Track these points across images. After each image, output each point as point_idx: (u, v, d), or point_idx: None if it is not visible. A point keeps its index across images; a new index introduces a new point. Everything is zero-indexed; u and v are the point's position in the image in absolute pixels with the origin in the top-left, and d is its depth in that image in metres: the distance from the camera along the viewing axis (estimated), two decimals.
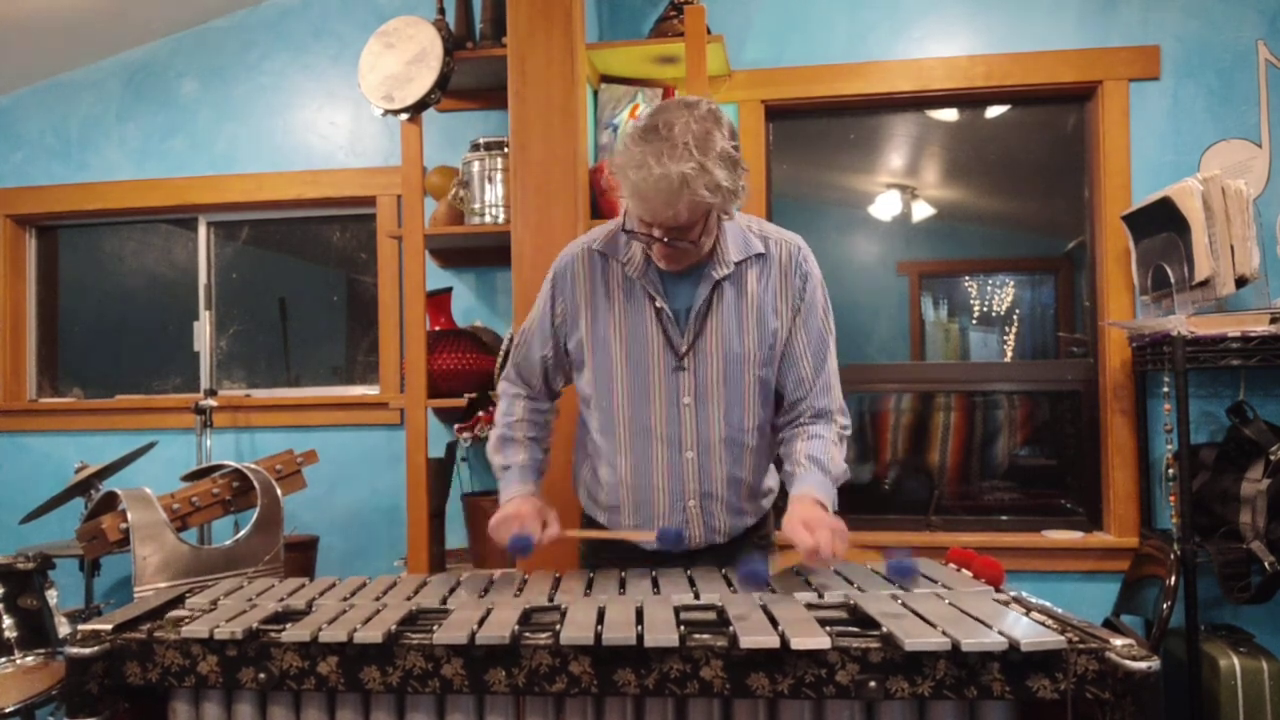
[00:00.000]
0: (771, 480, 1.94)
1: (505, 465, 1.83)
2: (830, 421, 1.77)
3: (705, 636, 1.30)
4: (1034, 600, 1.45)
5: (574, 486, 1.99)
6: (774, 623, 1.31)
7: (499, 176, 2.79)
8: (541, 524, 1.71)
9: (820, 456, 1.70)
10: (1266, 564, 2.52)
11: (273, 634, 1.36)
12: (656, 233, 1.60)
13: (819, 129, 3.23)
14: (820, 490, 1.66)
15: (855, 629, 1.32)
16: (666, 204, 1.54)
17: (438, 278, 3.22)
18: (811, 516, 1.57)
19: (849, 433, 1.81)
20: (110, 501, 2.37)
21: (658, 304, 1.73)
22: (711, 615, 1.41)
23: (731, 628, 1.29)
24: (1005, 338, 3.25)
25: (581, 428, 1.92)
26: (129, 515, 2.24)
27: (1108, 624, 2.78)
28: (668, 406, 1.74)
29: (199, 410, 3.18)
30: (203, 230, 3.60)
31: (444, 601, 1.51)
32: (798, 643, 1.23)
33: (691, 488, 1.77)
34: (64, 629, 2.45)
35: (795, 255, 1.77)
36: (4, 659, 2.35)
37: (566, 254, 1.84)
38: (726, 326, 1.73)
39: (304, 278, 3.61)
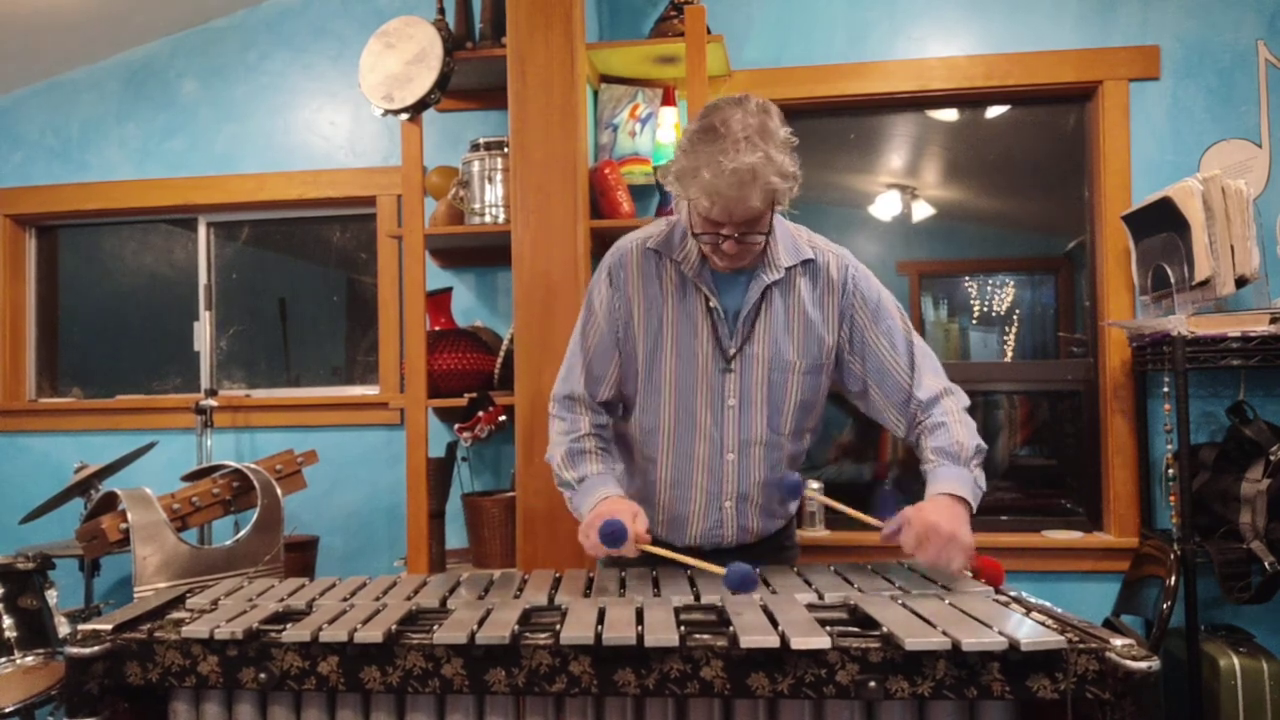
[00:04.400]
0: None
1: (580, 477, 1.73)
2: (943, 403, 1.73)
3: (705, 636, 1.30)
4: (1034, 600, 1.45)
5: None
6: (774, 623, 1.31)
7: (499, 176, 2.79)
8: (633, 517, 1.60)
9: (947, 447, 1.67)
10: (1266, 564, 2.52)
11: (273, 634, 1.36)
12: (726, 230, 1.60)
13: (819, 129, 3.23)
14: (953, 483, 1.61)
15: (855, 629, 1.32)
16: (741, 198, 1.54)
17: (438, 278, 3.22)
18: (922, 517, 1.55)
19: (968, 402, 1.76)
20: (110, 501, 2.37)
21: (711, 303, 1.73)
22: (711, 616, 1.41)
23: (731, 628, 1.29)
24: (1005, 338, 3.25)
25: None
26: (129, 515, 2.24)
27: (1108, 624, 2.78)
28: (713, 407, 1.74)
29: (199, 410, 3.18)
30: (203, 230, 3.59)
31: (444, 601, 1.51)
32: (798, 643, 1.23)
33: (729, 489, 1.78)
34: (64, 629, 2.46)
35: (843, 265, 1.78)
36: (4, 659, 2.35)
37: (620, 249, 1.81)
38: (775, 332, 1.74)
39: (304, 278, 3.61)
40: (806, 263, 1.76)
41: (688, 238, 1.73)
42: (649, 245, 1.78)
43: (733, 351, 1.73)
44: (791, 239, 1.78)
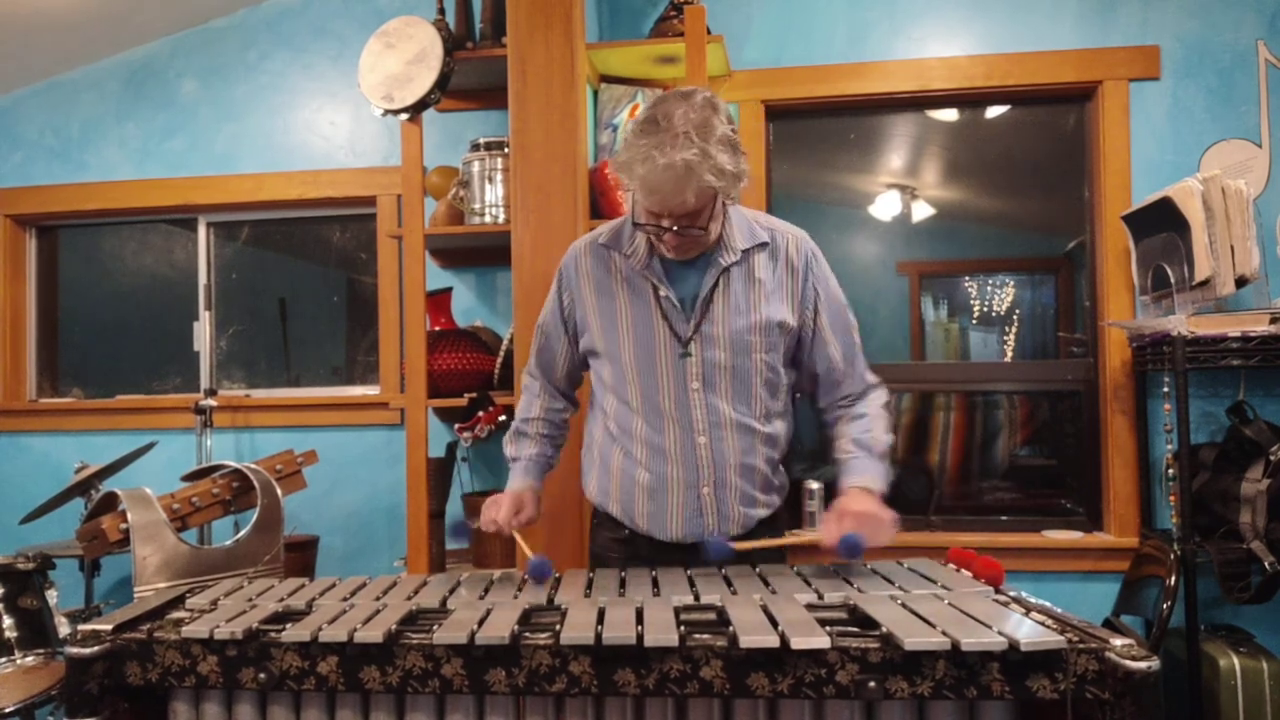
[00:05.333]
0: (784, 476, 1.96)
1: (514, 458, 1.93)
2: (870, 396, 1.86)
3: (705, 636, 1.30)
4: (1034, 600, 1.45)
5: (583, 485, 2.00)
6: (774, 623, 1.31)
7: (499, 176, 2.79)
8: (515, 510, 1.82)
9: (863, 438, 1.78)
10: (1266, 564, 2.52)
11: (273, 634, 1.36)
12: (666, 223, 1.64)
13: (819, 129, 3.23)
14: (867, 476, 1.73)
15: (855, 629, 1.32)
16: (674, 192, 1.58)
17: (438, 278, 3.22)
18: (848, 508, 1.65)
19: (887, 399, 1.87)
20: (110, 501, 2.37)
21: (661, 292, 1.77)
22: (711, 615, 1.41)
23: (731, 628, 1.29)
24: (1005, 338, 3.25)
25: (592, 423, 1.95)
26: (129, 515, 2.24)
27: (1108, 624, 2.78)
28: (677, 391, 1.77)
29: (199, 410, 3.18)
30: (203, 230, 3.59)
31: (444, 601, 1.51)
32: (797, 643, 1.23)
33: (705, 474, 1.79)
34: (64, 629, 2.46)
35: (803, 247, 1.83)
36: (4, 659, 2.35)
37: (572, 248, 1.90)
38: (734, 312, 1.76)
39: (304, 278, 3.61)
40: (763, 245, 1.80)
41: (636, 230, 1.76)
42: (600, 242, 1.85)
43: (688, 335, 1.76)
44: (747, 223, 1.81)
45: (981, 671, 1.23)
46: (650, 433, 1.80)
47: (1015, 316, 3.23)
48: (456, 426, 2.77)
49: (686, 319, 1.77)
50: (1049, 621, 1.32)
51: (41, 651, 2.40)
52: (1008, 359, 3.25)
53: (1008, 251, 3.30)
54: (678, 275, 1.78)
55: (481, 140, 2.84)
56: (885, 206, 3.26)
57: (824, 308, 1.83)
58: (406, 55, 2.66)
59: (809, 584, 1.56)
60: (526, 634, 1.33)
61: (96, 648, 1.38)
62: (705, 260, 1.76)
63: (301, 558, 2.99)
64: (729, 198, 1.68)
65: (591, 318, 1.84)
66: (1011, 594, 1.50)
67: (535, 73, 2.53)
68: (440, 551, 2.81)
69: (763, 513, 1.88)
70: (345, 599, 1.55)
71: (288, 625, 1.37)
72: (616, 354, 1.81)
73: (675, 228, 1.64)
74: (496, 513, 1.81)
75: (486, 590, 1.60)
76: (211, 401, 3.21)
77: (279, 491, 2.46)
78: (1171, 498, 2.70)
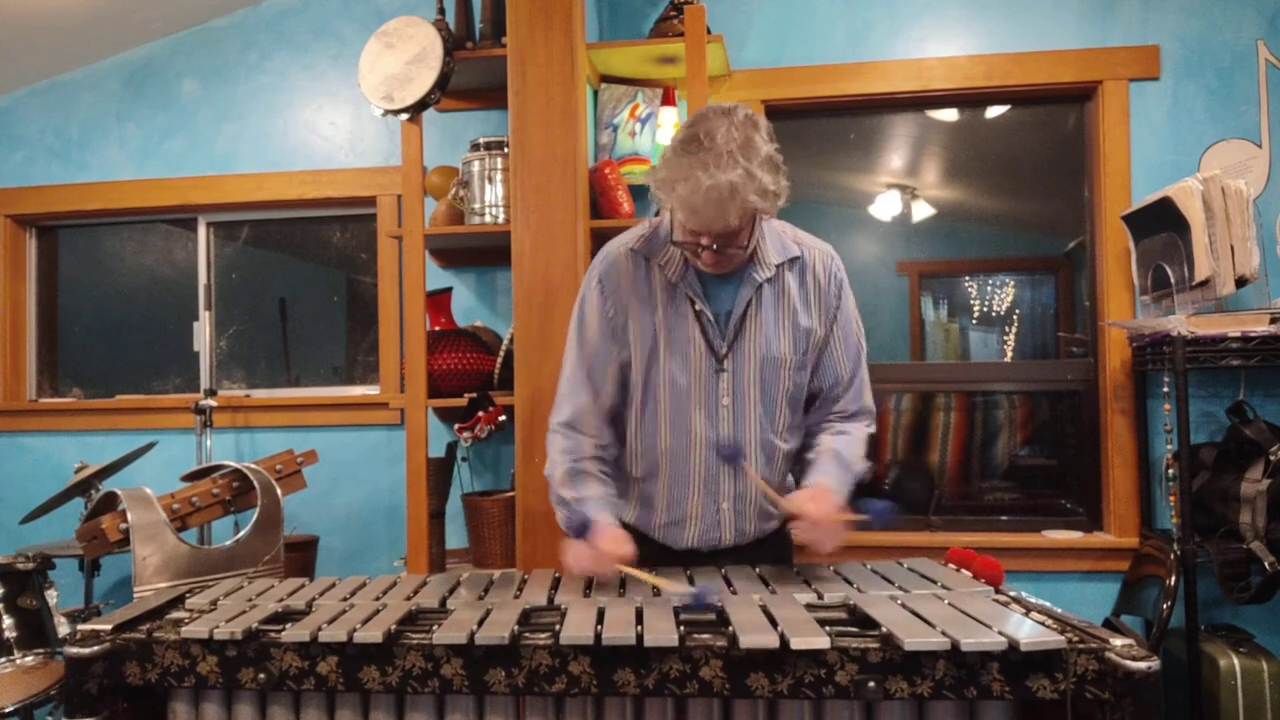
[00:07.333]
0: (794, 487, 1.96)
1: (579, 499, 1.73)
2: (859, 421, 1.85)
3: (705, 636, 1.30)
4: (1034, 600, 1.45)
5: None
6: (773, 623, 1.31)
7: (499, 176, 2.79)
8: (616, 546, 1.62)
9: (843, 451, 1.78)
10: (1266, 564, 2.52)
11: (272, 634, 1.36)
12: (705, 241, 1.61)
13: (819, 129, 3.23)
14: (834, 481, 1.71)
15: (855, 629, 1.32)
16: (717, 215, 1.54)
17: (438, 278, 3.22)
18: (814, 494, 1.66)
19: (873, 431, 1.87)
20: (110, 501, 2.37)
21: (698, 307, 1.74)
22: (711, 615, 1.41)
23: (731, 628, 1.29)
24: (1005, 338, 3.25)
25: None
26: (129, 515, 2.24)
27: (1108, 624, 2.78)
28: (707, 407, 1.76)
29: (199, 410, 3.18)
30: (203, 230, 3.59)
31: (444, 601, 1.51)
32: (797, 643, 1.23)
33: (726, 489, 1.79)
34: (64, 629, 2.46)
35: (830, 264, 1.82)
36: (4, 659, 2.35)
37: (608, 254, 1.82)
38: (765, 329, 1.75)
39: (304, 278, 3.61)
40: (794, 260, 1.79)
41: (674, 247, 1.73)
42: (634, 249, 1.79)
43: (724, 351, 1.74)
44: (779, 237, 1.80)
45: (981, 671, 1.23)
46: (675, 446, 1.77)
47: (1015, 316, 3.23)
48: (456, 426, 2.77)
49: (721, 335, 1.75)
50: (1049, 621, 1.32)
51: (41, 651, 2.40)
52: (1008, 359, 3.25)
53: (1008, 251, 3.30)
54: (712, 290, 1.75)
55: (481, 140, 2.83)
56: (885, 206, 3.26)
57: (839, 326, 1.81)
58: (406, 55, 2.66)
59: (809, 584, 1.56)
60: (526, 634, 1.33)
61: (96, 648, 1.38)
62: (738, 276, 1.73)
63: (301, 558, 2.99)
64: (767, 215, 1.64)
65: (633, 327, 1.77)
66: (1011, 594, 1.50)
67: (535, 73, 2.53)
68: (440, 551, 2.81)
69: (775, 524, 1.89)
70: (345, 599, 1.55)
71: (287, 625, 1.37)
72: (653, 366, 1.76)
73: (714, 246, 1.61)
74: (592, 563, 1.62)
75: (486, 590, 1.60)
76: (211, 401, 3.21)
77: (279, 491, 2.46)
78: (1171, 498, 2.70)
